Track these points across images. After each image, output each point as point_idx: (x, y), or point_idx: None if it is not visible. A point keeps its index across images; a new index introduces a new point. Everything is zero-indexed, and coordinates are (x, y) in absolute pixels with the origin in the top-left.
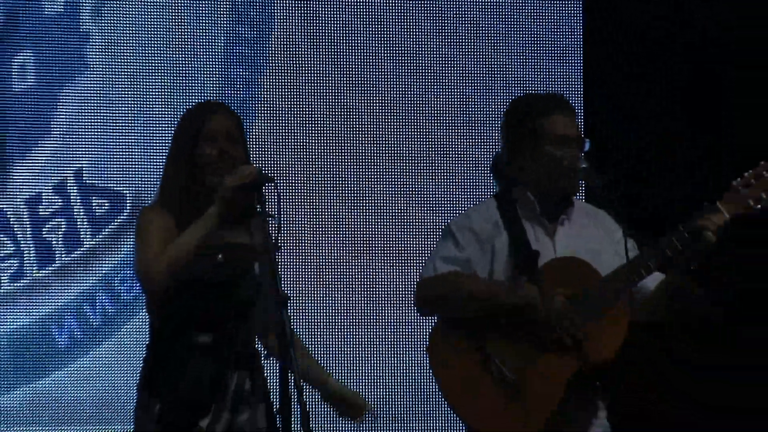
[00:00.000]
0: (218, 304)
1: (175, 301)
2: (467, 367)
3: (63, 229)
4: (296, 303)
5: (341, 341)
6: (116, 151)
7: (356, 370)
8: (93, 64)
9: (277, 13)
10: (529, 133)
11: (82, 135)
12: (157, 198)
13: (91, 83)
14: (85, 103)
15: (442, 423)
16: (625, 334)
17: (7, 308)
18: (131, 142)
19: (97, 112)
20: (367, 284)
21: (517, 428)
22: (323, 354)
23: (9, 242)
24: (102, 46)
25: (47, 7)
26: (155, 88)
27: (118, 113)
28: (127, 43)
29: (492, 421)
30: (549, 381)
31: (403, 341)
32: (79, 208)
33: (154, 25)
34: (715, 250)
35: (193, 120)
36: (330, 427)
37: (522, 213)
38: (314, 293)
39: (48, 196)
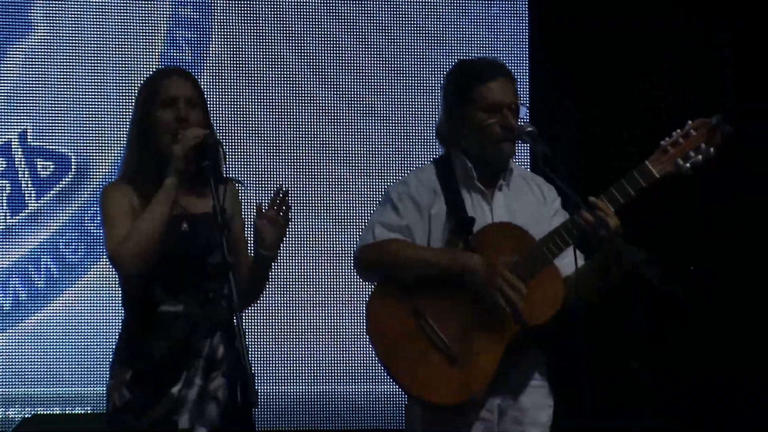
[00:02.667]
0: (187, 273)
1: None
2: (403, 332)
3: (7, 191)
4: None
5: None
6: (61, 113)
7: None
8: (37, 25)
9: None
10: (462, 101)
11: (26, 96)
12: (120, 171)
13: (35, 44)
14: (29, 64)
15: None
16: (562, 298)
17: None
18: (76, 104)
19: (41, 74)
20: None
21: (455, 392)
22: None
23: None
24: (47, 5)
25: None
26: (101, 51)
27: (63, 75)
28: (73, 3)
29: (430, 385)
30: (487, 345)
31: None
32: (24, 170)
33: None
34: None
35: (149, 86)
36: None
37: (460, 179)
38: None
39: None
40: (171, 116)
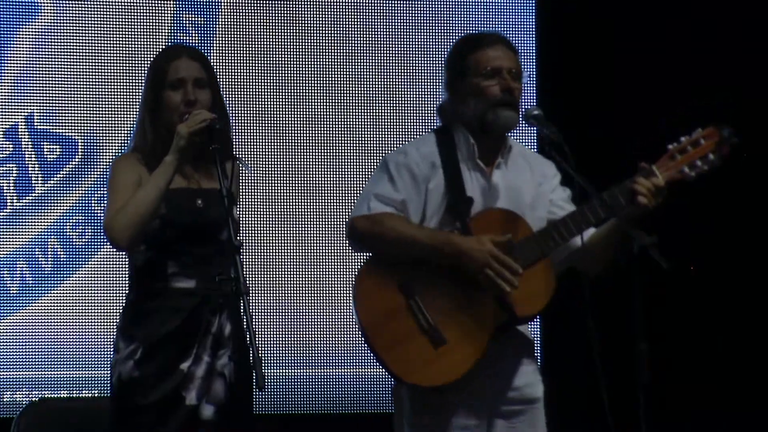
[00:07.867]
0: (201, 249)
1: (157, 247)
2: (390, 309)
3: (14, 175)
4: (255, 249)
5: (298, 288)
6: (68, 97)
7: (314, 318)
8: (44, 8)
9: None
10: (461, 70)
11: (33, 80)
12: (132, 145)
13: (42, 27)
14: (36, 47)
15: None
16: (552, 293)
17: None
18: (83, 87)
19: (48, 57)
20: (327, 229)
21: (434, 375)
22: (279, 302)
23: None
24: None
25: None
26: (107, 34)
27: (70, 58)
28: None
29: (409, 365)
30: (472, 333)
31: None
32: (31, 154)
33: None
34: (652, 212)
35: (158, 66)
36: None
37: (460, 154)
38: (273, 240)
39: None
40: (179, 98)
